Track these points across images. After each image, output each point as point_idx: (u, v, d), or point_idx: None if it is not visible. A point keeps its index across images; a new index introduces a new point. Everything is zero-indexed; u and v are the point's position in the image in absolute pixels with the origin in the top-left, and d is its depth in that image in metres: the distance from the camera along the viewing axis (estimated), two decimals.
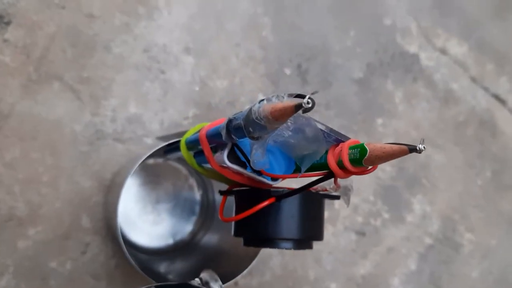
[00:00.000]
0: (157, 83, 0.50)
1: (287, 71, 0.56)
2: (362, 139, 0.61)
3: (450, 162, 0.63)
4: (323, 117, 0.57)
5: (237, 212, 0.32)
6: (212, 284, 0.34)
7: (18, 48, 0.46)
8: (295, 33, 0.58)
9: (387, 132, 0.60)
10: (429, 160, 0.62)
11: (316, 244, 0.56)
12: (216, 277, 0.35)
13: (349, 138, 0.26)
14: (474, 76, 0.66)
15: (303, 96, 0.20)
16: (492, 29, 0.67)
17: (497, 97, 0.67)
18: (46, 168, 0.46)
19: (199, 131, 0.31)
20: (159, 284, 0.33)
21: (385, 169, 0.60)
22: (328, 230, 0.57)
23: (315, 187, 0.32)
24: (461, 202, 0.64)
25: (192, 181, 0.51)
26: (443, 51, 0.64)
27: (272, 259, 0.54)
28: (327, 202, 0.59)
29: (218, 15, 0.54)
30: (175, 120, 0.51)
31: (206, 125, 0.30)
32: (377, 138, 0.59)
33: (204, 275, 0.34)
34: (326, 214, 0.57)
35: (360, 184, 0.59)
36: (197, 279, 0.34)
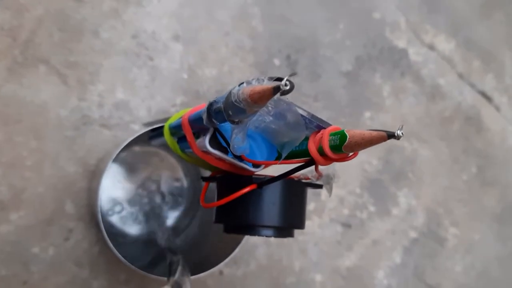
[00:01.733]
0: (145, 70, 0.50)
1: (276, 62, 0.56)
2: None
3: (435, 157, 0.64)
4: (312, 109, 0.57)
5: (218, 199, 0.32)
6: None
7: (4, 31, 0.46)
8: (285, 24, 0.57)
9: (374, 126, 0.60)
10: (415, 154, 0.63)
11: (301, 235, 0.57)
12: (187, 281, 0.35)
13: (330, 125, 0.26)
14: (461, 73, 0.66)
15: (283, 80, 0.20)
16: (479, 27, 0.68)
17: (483, 94, 0.67)
18: (30, 152, 0.45)
19: (182, 116, 0.31)
20: None
21: (371, 162, 0.60)
22: (314, 221, 0.57)
23: (297, 175, 0.32)
24: (446, 197, 0.64)
25: (178, 169, 0.51)
26: (431, 47, 0.65)
27: (257, 249, 0.54)
28: (313, 193, 0.59)
29: (208, 4, 0.54)
30: (163, 107, 0.51)
31: (189, 110, 0.30)
32: None
33: (175, 278, 0.34)
34: (313, 205, 0.58)
35: (347, 177, 0.59)
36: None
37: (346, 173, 0.59)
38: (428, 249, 0.63)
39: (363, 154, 0.60)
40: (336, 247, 0.58)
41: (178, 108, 0.51)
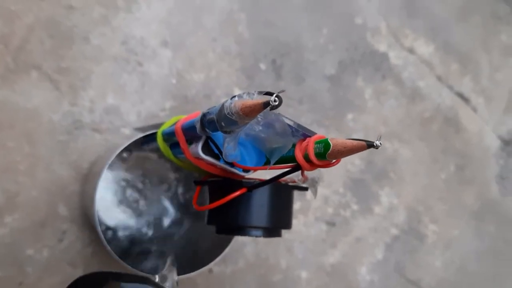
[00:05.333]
0: (134, 75, 0.52)
1: (262, 66, 0.58)
2: (333, 134, 0.63)
3: (416, 156, 0.66)
4: (297, 112, 0.60)
5: (210, 202, 0.34)
6: (169, 278, 0.36)
7: None
8: (270, 29, 0.59)
9: (357, 127, 0.63)
10: (396, 154, 0.65)
11: (288, 234, 0.59)
12: (174, 273, 0.36)
13: (315, 133, 0.28)
14: (440, 75, 0.69)
15: (272, 94, 0.22)
16: (456, 31, 0.71)
17: (460, 96, 0.70)
18: (23, 156, 0.46)
19: (175, 123, 0.33)
20: (117, 271, 0.33)
21: (354, 163, 0.63)
22: (299, 220, 0.59)
23: (284, 178, 0.34)
24: (426, 195, 0.67)
25: (171, 173, 0.52)
26: (411, 51, 0.67)
27: (245, 247, 0.56)
28: (299, 193, 0.61)
29: (196, 10, 0.56)
30: (152, 112, 0.52)
31: (182, 118, 0.32)
32: (347, 133, 0.62)
33: (163, 272, 0.36)
34: (298, 205, 0.60)
35: (331, 177, 0.61)
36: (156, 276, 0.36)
37: (330, 173, 0.61)
38: (408, 245, 0.65)
39: None
40: (321, 244, 0.60)
41: (167, 112, 0.53)
